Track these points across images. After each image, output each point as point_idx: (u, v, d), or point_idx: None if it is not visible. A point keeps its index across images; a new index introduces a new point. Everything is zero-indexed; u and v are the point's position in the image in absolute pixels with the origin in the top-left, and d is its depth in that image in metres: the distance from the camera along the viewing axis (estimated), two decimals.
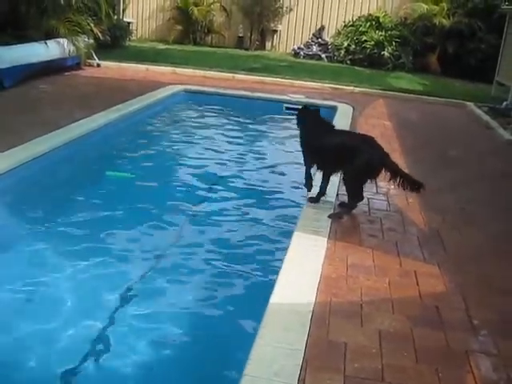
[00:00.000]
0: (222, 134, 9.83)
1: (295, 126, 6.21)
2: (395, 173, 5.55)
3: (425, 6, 17.16)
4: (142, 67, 14.71)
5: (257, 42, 19.68)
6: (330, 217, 5.66)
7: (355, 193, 5.81)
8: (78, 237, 5.51)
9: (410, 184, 5.56)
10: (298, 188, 6.92)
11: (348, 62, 17.98)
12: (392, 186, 6.59)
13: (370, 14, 18.46)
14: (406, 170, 6.31)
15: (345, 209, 5.89)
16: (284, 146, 9.09)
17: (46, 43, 12.16)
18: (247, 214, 6.46)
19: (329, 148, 5.72)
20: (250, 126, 10.52)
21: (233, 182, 7.45)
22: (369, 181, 5.79)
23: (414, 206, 6.33)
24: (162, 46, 18.74)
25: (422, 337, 3.83)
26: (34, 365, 3.79)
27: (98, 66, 14.51)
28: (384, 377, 3.38)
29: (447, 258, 5.12)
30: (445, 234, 5.64)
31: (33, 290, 4.66)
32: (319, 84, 14.06)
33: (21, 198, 6.23)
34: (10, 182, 6.23)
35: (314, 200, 5.99)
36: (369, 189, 6.60)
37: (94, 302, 4.53)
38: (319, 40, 19.04)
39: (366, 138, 5.84)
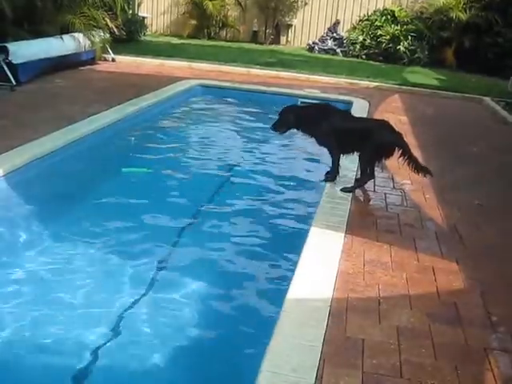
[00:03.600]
0: (238, 128, 9.83)
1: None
2: (406, 152, 6.09)
3: (441, 0, 17.02)
4: (156, 62, 14.72)
5: (271, 37, 19.65)
6: (342, 190, 6.23)
7: (368, 170, 6.34)
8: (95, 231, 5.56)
9: (417, 167, 6.11)
10: (314, 182, 6.92)
11: (363, 56, 17.91)
12: (409, 181, 6.61)
13: (385, 8, 18.35)
14: None
15: (356, 183, 6.40)
16: (300, 140, 9.04)
17: (61, 38, 12.20)
18: (263, 208, 6.44)
19: (349, 130, 6.29)
20: (266, 119, 10.48)
21: (248, 176, 7.42)
22: (383, 159, 6.33)
23: (431, 201, 6.28)
24: (176, 41, 18.75)
25: (441, 333, 3.82)
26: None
27: (113, 60, 14.52)
28: (402, 373, 3.36)
29: (465, 254, 5.08)
30: (462, 229, 5.60)
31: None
32: (334, 79, 14.00)
33: (34, 191, 6.29)
34: (27, 175, 6.29)
35: (331, 179, 6.50)
36: (386, 184, 6.62)
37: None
38: (334, 34, 18.95)
39: (380, 121, 6.59)
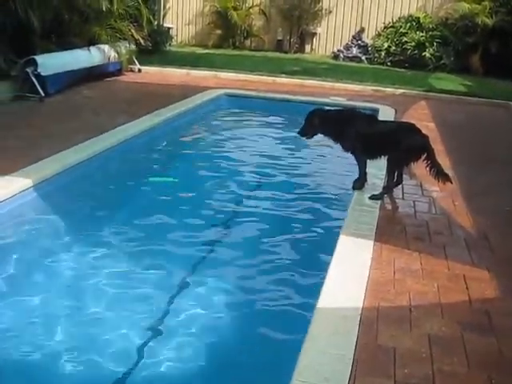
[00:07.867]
0: (265, 137, 9.85)
1: None
2: (430, 157, 6.03)
3: (466, 6, 16.82)
4: (182, 72, 14.81)
5: (296, 45, 19.61)
6: (370, 198, 6.19)
7: (396, 175, 6.33)
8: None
9: (438, 173, 6.06)
10: (342, 190, 6.89)
11: (388, 63, 17.79)
12: (437, 188, 6.55)
13: (410, 15, 18.20)
14: (450, 172, 6.28)
15: (384, 190, 6.34)
16: (327, 148, 9.02)
17: (88, 50, 12.35)
18: (292, 216, 6.43)
19: (376, 134, 6.27)
20: (292, 128, 10.48)
21: (275, 186, 7.41)
22: (411, 163, 6.27)
23: (460, 208, 6.23)
24: (201, 51, 18.82)
25: (473, 342, 3.77)
26: None
27: (140, 71, 14.63)
28: (435, 383, 3.33)
29: (496, 261, 5.02)
30: (493, 237, 5.53)
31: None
32: (360, 86, 13.96)
33: (63, 202, 6.35)
34: (56, 186, 6.36)
35: (358, 187, 6.46)
36: (414, 191, 6.58)
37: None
38: (359, 42, 18.86)
39: (407, 124, 6.59)
